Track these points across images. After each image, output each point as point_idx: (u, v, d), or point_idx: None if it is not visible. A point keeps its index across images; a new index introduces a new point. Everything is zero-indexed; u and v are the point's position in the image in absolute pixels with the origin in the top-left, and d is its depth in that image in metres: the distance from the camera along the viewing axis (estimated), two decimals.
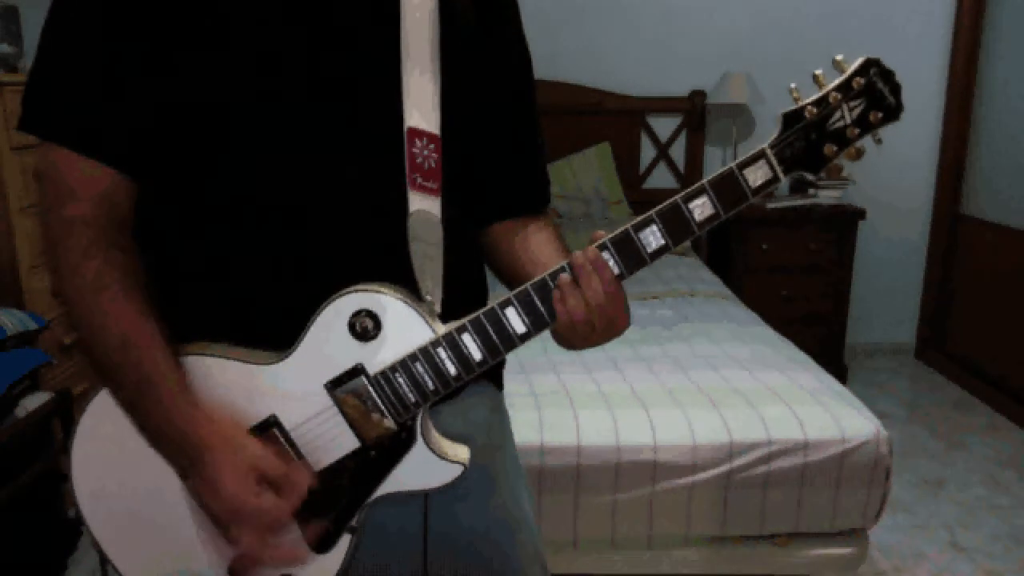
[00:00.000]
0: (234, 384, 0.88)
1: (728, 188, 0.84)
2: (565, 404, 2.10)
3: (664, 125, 4.00)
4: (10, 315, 2.34)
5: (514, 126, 1.04)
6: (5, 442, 2.08)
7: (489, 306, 0.87)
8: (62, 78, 0.84)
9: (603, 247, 0.86)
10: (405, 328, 0.87)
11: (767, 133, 0.84)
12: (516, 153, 1.05)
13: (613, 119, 3.94)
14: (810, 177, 0.85)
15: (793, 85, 0.84)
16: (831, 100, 0.82)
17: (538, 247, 1.01)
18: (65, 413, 2.30)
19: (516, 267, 1.01)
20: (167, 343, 0.86)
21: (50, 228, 0.87)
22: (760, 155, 0.83)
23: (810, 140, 0.83)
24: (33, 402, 2.25)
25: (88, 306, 0.85)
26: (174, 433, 0.86)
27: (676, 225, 0.85)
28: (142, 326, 0.85)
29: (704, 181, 0.84)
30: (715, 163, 4.03)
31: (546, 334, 0.90)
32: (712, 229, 0.85)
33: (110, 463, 0.92)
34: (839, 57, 0.83)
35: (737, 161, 0.84)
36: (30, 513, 2.21)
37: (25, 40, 2.82)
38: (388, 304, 0.87)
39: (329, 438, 0.89)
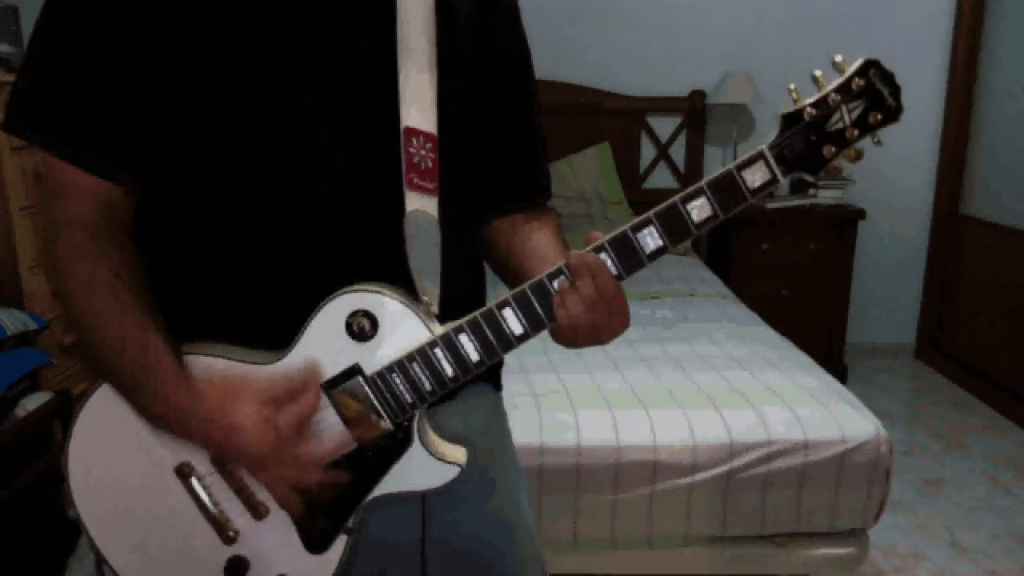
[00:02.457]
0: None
1: (727, 189, 0.84)
2: (565, 404, 2.10)
3: (664, 125, 4.00)
4: (10, 315, 2.34)
5: (512, 121, 1.04)
6: (5, 442, 2.08)
7: (486, 307, 0.87)
8: (54, 80, 0.83)
9: (600, 248, 0.85)
10: (402, 328, 0.87)
11: (767, 133, 0.84)
12: (514, 147, 1.05)
13: (613, 119, 3.94)
14: (809, 178, 0.84)
15: (792, 86, 0.83)
16: (830, 101, 0.82)
17: (538, 244, 1.01)
18: (65, 413, 2.30)
19: (516, 264, 1.01)
20: (163, 337, 0.86)
21: (46, 228, 0.87)
22: (759, 156, 0.83)
23: (809, 141, 0.82)
24: (33, 402, 2.25)
25: (81, 307, 0.85)
26: (179, 418, 0.86)
27: (674, 226, 0.85)
28: (135, 325, 0.85)
29: (702, 182, 0.84)
30: (715, 163, 4.02)
31: (545, 333, 0.90)
32: (712, 229, 0.85)
33: (107, 463, 0.92)
34: (839, 58, 0.82)
35: (736, 162, 0.83)
36: (29, 513, 2.21)
37: (25, 40, 2.82)
38: (385, 304, 0.86)
39: (326, 438, 0.88)
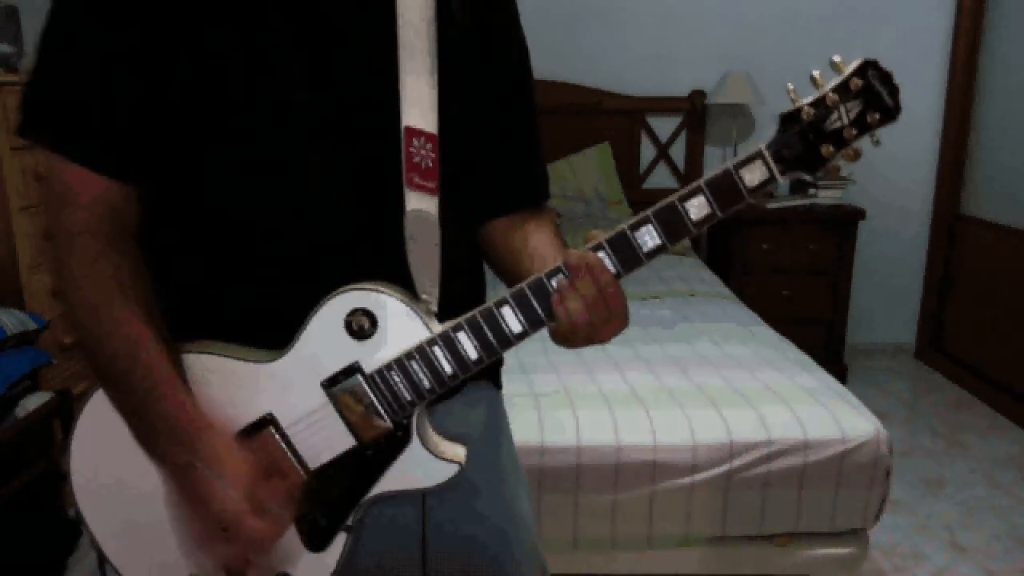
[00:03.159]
0: (232, 382, 0.89)
1: (725, 188, 0.84)
2: (565, 404, 2.10)
3: (664, 125, 4.00)
4: (10, 315, 2.34)
5: (512, 122, 1.04)
6: (5, 442, 2.08)
7: (485, 305, 0.87)
8: (55, 82, 0.84)
9: (599, 247, 0.86)
10: (402, 327, 0.87)
11: (767, 133, 0.84)
12: (513, 148, 1.05)
13: (613, 119, 3.94)
14: (807, 178, 0.84)
15: (791, 86, 0.83)
16: (828, 101, 0.82)
17: (538, 244, 1.01)
18: (65, 413, 2.30)
19: (516, 265, 1.01)
20: (172, 350, 0.87)
21: (58, 236, 0.87)
22: (757, 155, 0.83)
23: (807, 141, 0.83)
24: (33, 402, 2.25)
25: (97, 314, 0.85)
26: (177, 438, 0.86)
27: (672, 225, 0.85)
28: (151, 333, 0.85)
29: (700, 181, 0.84)
30: (715, 163, 4.01)
31: (546, 332, 0.90)
32: (712, 229, 0.85)
33: (109, 461, 0.92)
34: (837, 58, 0.82)
35: (734, 161, 0.84)
36: (30, 513, 2.21)
37: (25, 40, 2.82)
38: (385, 303, 0.87)
39: (325, 436, 0.89)
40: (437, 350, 0.87)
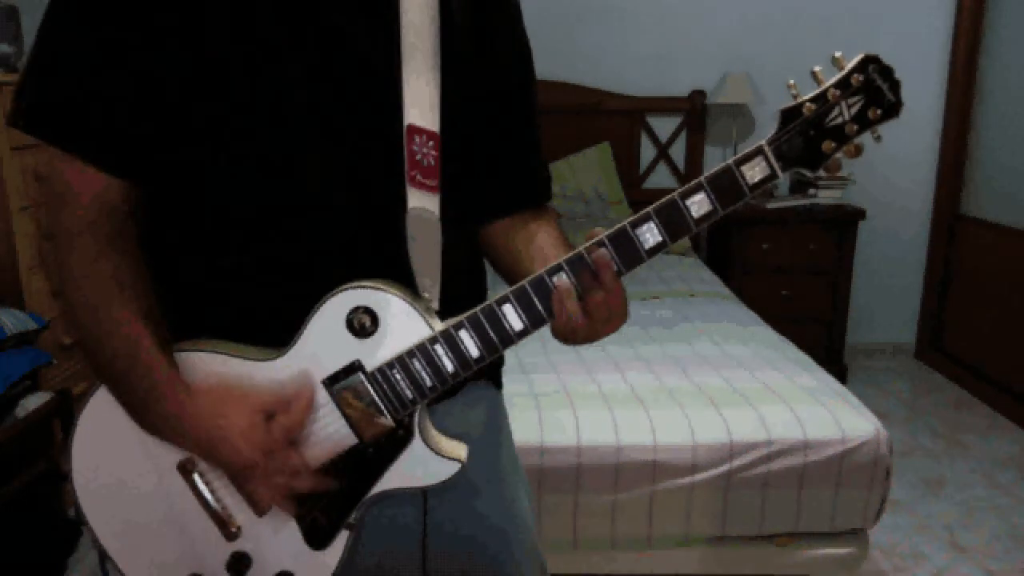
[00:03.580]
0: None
1: (726, 185, 0.84)
2: (565, 404, 2.10)
3: (664, 125, 4.00)
4: (10, 315, 2.34)
5: (513, 122, 1.04)
6: (5, 442, 2.08)
7: (486, 303, 0.87)
8: (65, 82, 0.84)
9: (600, 244, 0.85)
10: (403, 325, 0.87)
11: (767, 133, 0.84)
12: (514, 148, 1.05)
13: (613, 119, 3.94)
14: (808, 174, 0.84)
15: (791, 81, 0.83)
16: (829, 97, 0.82)
17: (541, 245, 1.01)
18: (65, 413, 2.30)
19: (519, 265, 1.01)
20: (172, 349, 0.87)
21: (58, 236, 0.87)
22: (758, 151, 0.83)
23: (808, 137, 0.83)
24: (33, 402, 2.25)
25: (97, 314, 0.85)
26: (178, 437, 0.87)
27: (673, 222, 0.85)
28: (150, 333, 0.86)
29: (702, 178, 0.84)
30: (715, 163, 3.97)
31: (546, 331, 0.90)
32: (713, 229, 0.85)
33: (109, 461, 0.92)
34: (838, 54, 0.82)
35: (735, 158, 0.84)
36: (30, 513, 2.21)
37: (25, 40, 2.82)
38: (386, 301, 0.87)
39: (327, 434, 0.89)
40: (439, 348, 0.87)
